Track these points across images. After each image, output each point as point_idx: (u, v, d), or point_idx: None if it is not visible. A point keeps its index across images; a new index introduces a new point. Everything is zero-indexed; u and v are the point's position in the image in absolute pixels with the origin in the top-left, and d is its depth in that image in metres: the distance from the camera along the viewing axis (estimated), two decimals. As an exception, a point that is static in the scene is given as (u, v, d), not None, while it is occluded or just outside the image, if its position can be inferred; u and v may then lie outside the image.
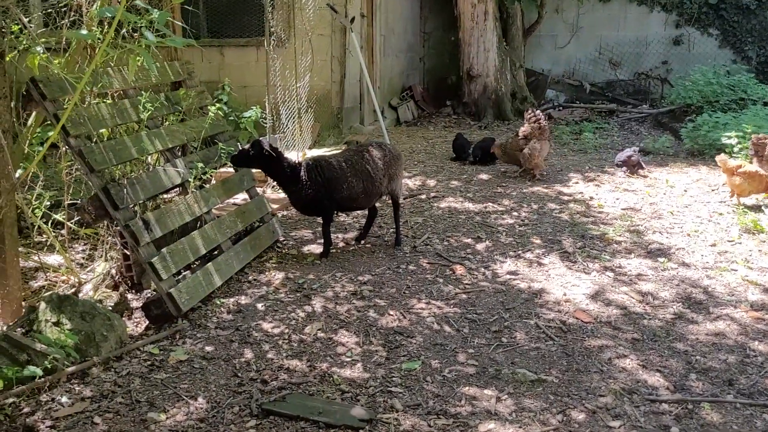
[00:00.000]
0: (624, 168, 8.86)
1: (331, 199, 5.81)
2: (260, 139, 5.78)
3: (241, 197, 6.78)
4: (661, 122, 12.42)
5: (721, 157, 7.30)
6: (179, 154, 5.70)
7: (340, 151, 6.62)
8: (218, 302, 4.99)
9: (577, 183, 8.43)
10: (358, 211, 6.78)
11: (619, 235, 6.44)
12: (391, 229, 6.61)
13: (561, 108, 13.80)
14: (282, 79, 8.38)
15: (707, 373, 4.08)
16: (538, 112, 8.58)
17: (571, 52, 15.19)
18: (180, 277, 4.98)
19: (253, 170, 6.22)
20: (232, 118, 9.52)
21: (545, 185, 8.32)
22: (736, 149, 8.49)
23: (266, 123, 8.21)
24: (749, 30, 14.33)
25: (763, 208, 7.07)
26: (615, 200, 7.65)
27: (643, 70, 14.93)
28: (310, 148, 8.92)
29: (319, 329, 4.60)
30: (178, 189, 5.79)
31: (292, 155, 8.40)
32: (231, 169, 6.30)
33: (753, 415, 3.65)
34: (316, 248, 6.13)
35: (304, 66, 8.66)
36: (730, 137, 8.63)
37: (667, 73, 14.69)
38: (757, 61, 14.29)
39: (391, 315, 4.83)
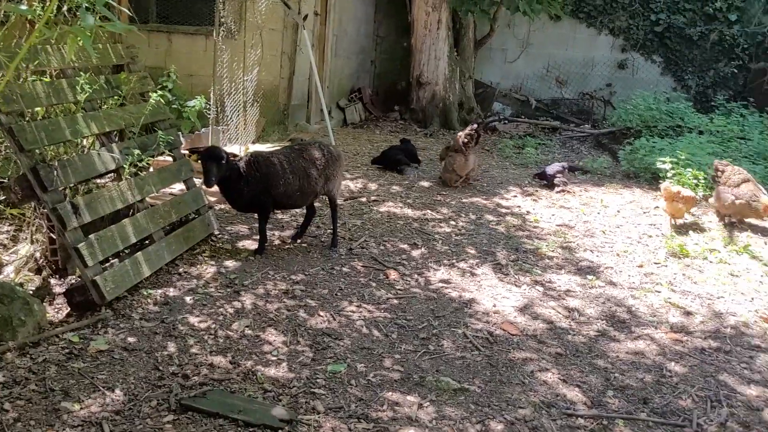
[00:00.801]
0: (544, 181, 9.11)
1: (268, 195, 5.76)
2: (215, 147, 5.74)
3: (178, 187, 6.64)
4: (601, 143, 12.74)
5: (665, 185, 7.73)
6: (116, 139, 5.55)
7: (280, 147, 6.57)
8: (145, 293, 4.88)
9: (515, 197, 8.58)
10: (297, 210, 6.73)
11: (552, 251, 6.58)
12: (329, 230, 6.59)
13: (506, 121, 14.02)
14: (229, 70, 8.27)
15: (624, 390, 4.20)
16: (474, 126, 8.74)
17: (520, 67, 15.46)
18: (107, 265, 4.85)
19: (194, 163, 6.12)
20: (175, 106, 9.33)
21: (485, 197, 8.44)
22: (669, 174, 8.77)
23: (210, 114, 8.08)
24: (690, 60, 14.86)
25: (692, 230, 7.33)
26: (551, 216, 7.81)
27: (587, 90, 15.30)
28: (253, 142, 8.82)
29: (246, 326, 4.54)
30: (112, 175, 5.64)
31: (235, 148, 8.33)
32: (169, 158, 6.18)
33: (663, 433, 3.78)
34: (251, 244, 6.06)
35: (253, 59, 8.56)
36: (664, 162, 8.91)
37: (611, 96, 15.10)
38: (696, 91, 14.83)
39: (321, 316, 4.82)
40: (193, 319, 4.57)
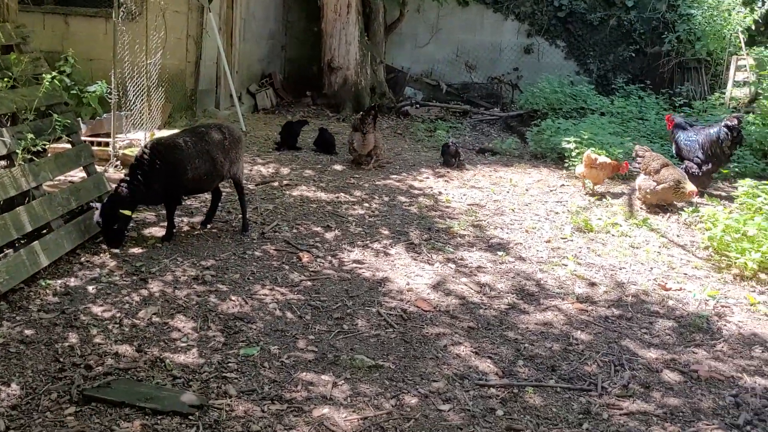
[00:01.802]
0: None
1: (178, 183, 5.58)
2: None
3: (80, 174, 6.34)
4: (510, 125, 13.04)
5: (586, 153, 8.24)
6: (7, 123, 5.24)
7: (178, 132, 6.34)
8: (44, 284, 4.63)
9: (428, 178, 8.66)
10: (206, 195, 6.55)
11: (464, 229, 6.68)
12: (240, 215, 6.46)
13: (418, 106, 14.12)
14: (131, 54, 7.94)
15: (533, 359, 4.32)
16: (372, 111, 8.96)
17: (431, 52, 15.58)
18: (0, 255, 4.58)
19: (94, 147, 5.85)
20: (74, 91, 8.89)
21: (398, 179, 8.48)
22: (573, 153, 9.08)
23: (111, 99, 7.75)
24: (592, 45, 15.36)
25: (598, 205, 7.61)
26: (462, 196, 7.93)
27: (496, 74, 15.59)
28: (159, 128, 8.52)
29: (154, 314, 4.39)
30: (5, 161, 5.32)
31: (140, 135, 8.04)
32: (67, 144, 5.89)
33: (571, 399, 3.91)
34: (159, 231, 5.86)
35: (157, 43, 8.25)
36: (569, 142, 9.21)
37: (518, 79, 15.44)
38: (597, 74, 15.35)
39: (233, 300, 4.72)
40: (96, 309, 4.38)
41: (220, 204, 6.32)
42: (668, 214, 7.55)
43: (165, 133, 8.35)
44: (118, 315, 4.34)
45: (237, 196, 6.21)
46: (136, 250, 5.41)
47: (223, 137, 5.83)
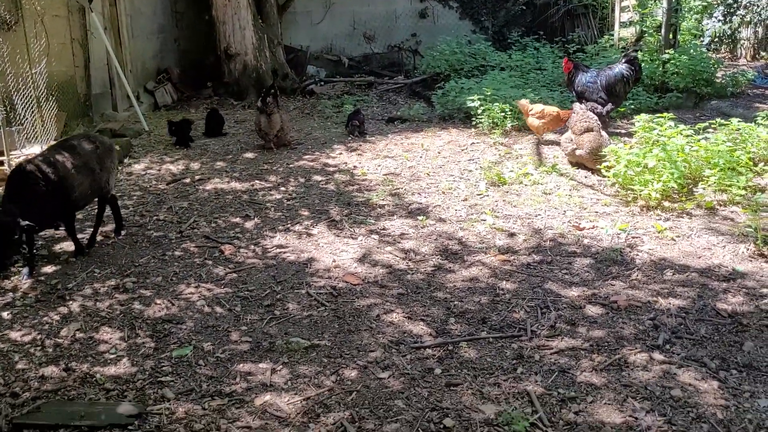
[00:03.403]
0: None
1: (68, 202, 5.22)
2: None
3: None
4: (415, 91, 13.13)
5: (521, 102, 8.66)
6: None
7: (45, 150, 5.70)
8: (-46, 318, 4.42)
9: (341, 154, 8.66)
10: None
11: (382, 200, 6.74)
12: (155, 217, 6.32)
13: (323, 83, 14.04)
14: (13, 65, 7.55)
15: (464, 315, 4.43)
16: (270, 91, 9.09)
17: (327, 28, 15.47)
18: None
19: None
20: (-43, 112, 8.39)
21: (311, 159, 8.44)
22: (479, 111, 9.25)
23: (-1, 115, 7.37)
24: (483, 2, 15.61)
25: (508, 158, 7.81)
26: (377, 167, 7.97)
27: (395, 43, 15.65)
28: (56, 139, 8.17)
29: (77, 330, 4.26)
30: None
31: (35, 149, 7.68)
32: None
33: (504, 347, 4.04)
34: (70, 246, 5.65)
35: (39, 50, 7.87)
36: (473, 100, 9.38)
37: (417, 45, 15.55)
38: (493, 31, 15.64)
39: (159, 304, 4.62)
40: (14, 335, 4.21)
41: (132, 208, 6.13)
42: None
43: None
44: (39, 337, 4.18)
45: (153, 198, 5.95)
46: (49, 269, 5.21)
47: (95, 147, 5.55)
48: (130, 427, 3.29)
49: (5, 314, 4.48)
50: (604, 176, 6.85)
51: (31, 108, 7.69)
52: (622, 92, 8.82)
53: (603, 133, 7.38)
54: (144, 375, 3.77)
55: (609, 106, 8.74)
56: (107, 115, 10.22)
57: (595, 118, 7.56)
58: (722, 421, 3.30)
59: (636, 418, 3.32)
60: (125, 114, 10.63)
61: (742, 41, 16.71)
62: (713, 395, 3.49)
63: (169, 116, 10.91)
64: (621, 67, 8.73)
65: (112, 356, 3.97)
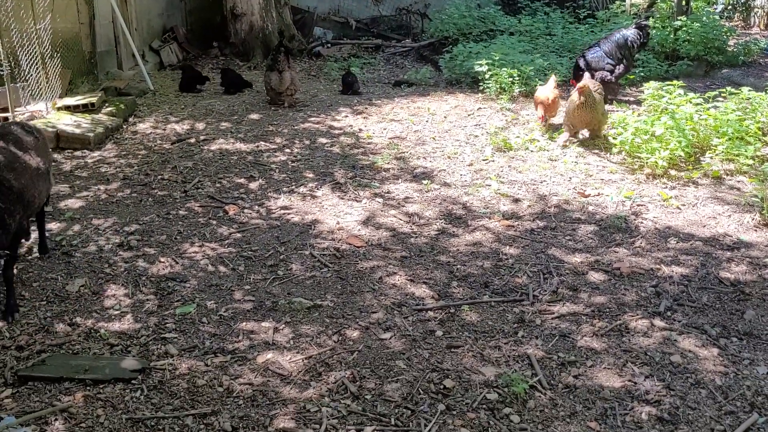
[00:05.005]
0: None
1: (25, 206, 4.12)
2: None
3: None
4: (423, 55, 12.99)
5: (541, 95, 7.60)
6: None
7: None
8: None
9: (346, 117, 8.60)
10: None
11: (387, 163, 6.71)
12: (159, 176, 6.31)
13: (329, 45, 13.88)
14: (17, 20, 7.47)
15: (467, 279, 4.45)
16: (281, 48, 9.10)
17: (336, -12, 15.25)
18: None
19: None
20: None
21: (316, 121, 8.39)
22: (487, 76, 9.16)
23: (3, 71, 7.32)
24: (494, -35, 15.33)
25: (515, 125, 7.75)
26: (382, 131, 7.93)
27: (403, 5, 15.41)
28: (60, 97, 8.13)
29: (81, 286, 4.28)
30: None
31: (41, 105, 7.66)
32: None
33: (505, 311, 4.06)
34: (75, 202, 5.66)
35: (43, 6, 7.79)
36: (481, 65, 9.27)
37: (426, 8, 15.32)
38: (503, -5, 15.40)
39: (163, 262, 4.64)
40: (19, 289, 4.24)
41: (137, 167, 6.13)
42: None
43: (68, 101, 7.99)
44: (44, 292, 4.21)
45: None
46: (53, 225, 5.23)
47: (35, 138, 4.49)
48: (133, 382, 3.33)
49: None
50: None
51: (36, 65, 7.63)
52: (629, 56, 8.70)
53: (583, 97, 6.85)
54: (148, 331, 3.81)
55: (618, 69, 8.60)
56: (112, 73, 10.15)
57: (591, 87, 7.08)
58: (721, 387, 3.32)
59: (635, 383, 3.34)
60: (130, 73, 10.55)
61: (755, 9, 16.42)
62: (713, 362, 3.51)
63: (175, 76, 10.85)
64: (625, 32, 8.62)
65: (116, 312, 4.00)
